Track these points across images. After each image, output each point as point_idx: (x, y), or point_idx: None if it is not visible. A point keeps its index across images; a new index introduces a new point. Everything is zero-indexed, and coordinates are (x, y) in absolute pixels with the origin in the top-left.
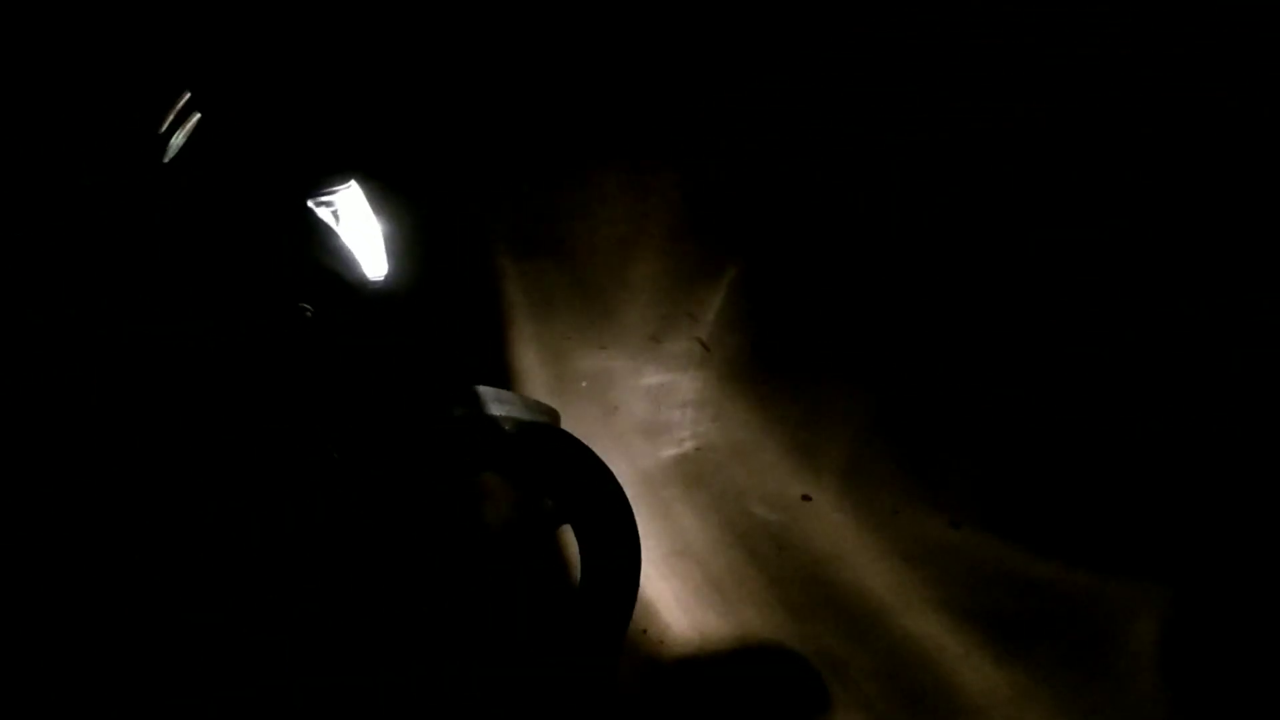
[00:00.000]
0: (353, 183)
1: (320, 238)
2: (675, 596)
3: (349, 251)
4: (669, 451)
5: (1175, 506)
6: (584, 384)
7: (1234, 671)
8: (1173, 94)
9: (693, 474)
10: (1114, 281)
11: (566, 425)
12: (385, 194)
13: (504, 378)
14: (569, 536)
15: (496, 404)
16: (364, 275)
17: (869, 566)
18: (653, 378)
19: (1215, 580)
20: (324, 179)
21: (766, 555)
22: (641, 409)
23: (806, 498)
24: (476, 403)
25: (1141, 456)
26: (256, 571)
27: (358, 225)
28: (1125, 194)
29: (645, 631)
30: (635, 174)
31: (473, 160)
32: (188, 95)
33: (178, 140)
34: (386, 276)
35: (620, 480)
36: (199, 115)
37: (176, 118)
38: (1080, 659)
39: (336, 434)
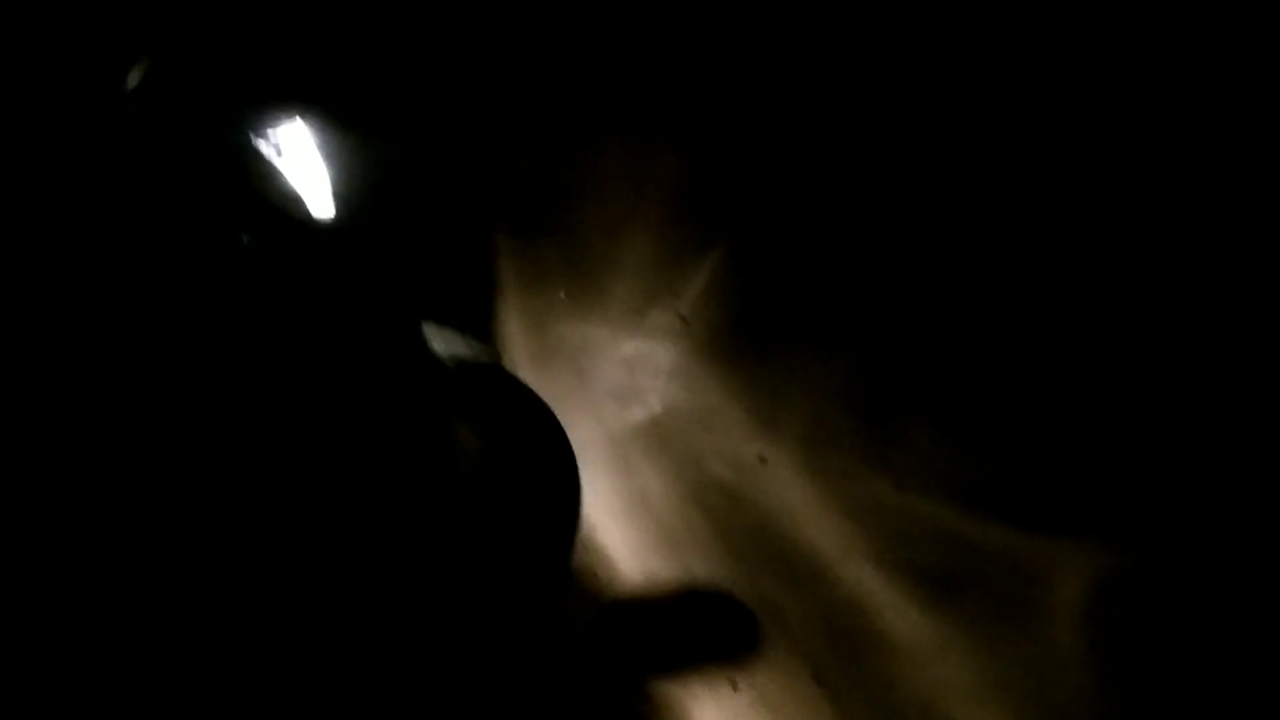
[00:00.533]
0: (300, 121)
1: (260, 170)
2: (628, 545)
3: (289, 187)
4: (638, 415)
5: (1111, 475)
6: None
7: (1154, 631)
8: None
9: (658, 436)
10: (1083, 271)
11: (541, 388)
12: (348, 138)
13: (486, 343)
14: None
15: (438, 341)
16: (307, 212)
17: (814, 522)
18: (630, 347)
19: (1143, 544)
20: (268, 114)
21: (719, 510)
22: (616, 375)
23: (763, 459)
24: (419, 339)
25: (1087, 429)
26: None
27: (302, 163)
28: (1112, 185)
29: (597, 575)
30: (633, 157)
31: (472, 135)
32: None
33: (131, 78)
34: (335, 216)
35: (588, 440)
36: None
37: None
38: (1005, 611)
39: (269, 363)
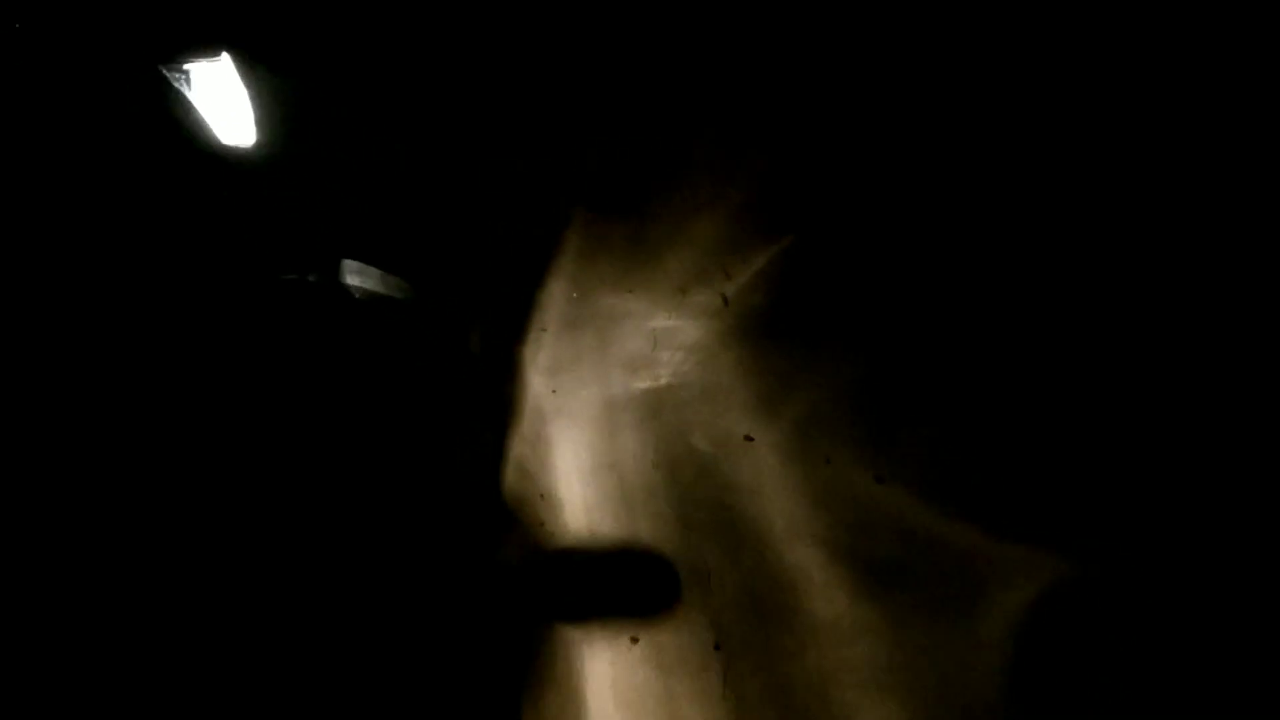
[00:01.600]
0: (224, 55)
1: (170, 101)
2: (585, 503)
3: (201, 117)
4: (642, 384)
5: (1082, 491)
6: (574, 295)
7: (1080, 656)
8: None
9: (654, 406)
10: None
11: (560, 349)
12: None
13: (526, 304)
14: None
15: (354, 275)
16: (220, 141)
17: (777, 503)
18: (662, 321)
19: (1095, 563)
20: (189, 49)
21: (685, 480)
22: (637, 345)
23: (749, 438)
24: (334, 272)
25: (1068, 445)
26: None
27: (219, 94)
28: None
29: (543, 525)
30: (721, 150)
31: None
32: None
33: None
34: (257, 146)
35: (584, 402)
36: None
37: None
38: (937, 607)
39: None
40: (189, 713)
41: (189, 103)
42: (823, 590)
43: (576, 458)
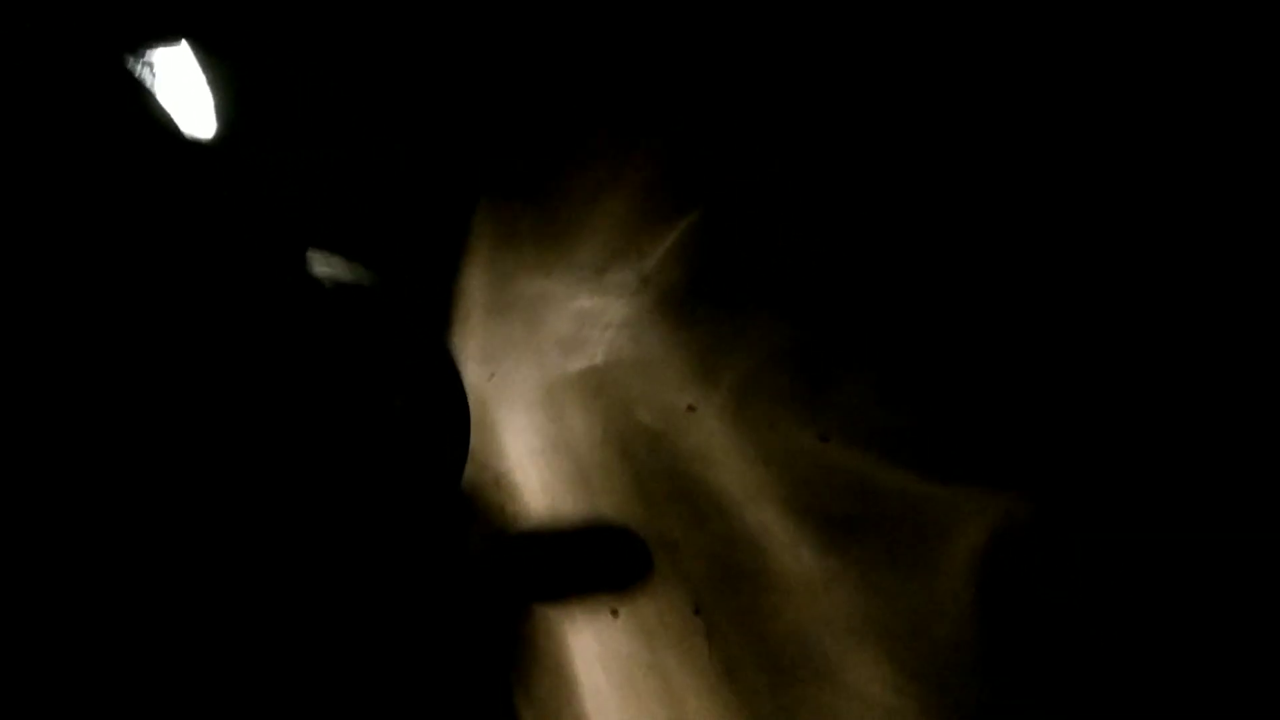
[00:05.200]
0: (183, 42)
1: (133, 91)
2: (542, 483)
3: (163, 108)
4: (578, 364)
5: (1021, 432)
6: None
7: (1039, 592)
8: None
9: (594, 384)
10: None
11: (489, 335)
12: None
13: (446, 295)
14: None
15: (321, 265)
16: (181, 132)
17: (730, 468)
18: (585, 301)
19: (1043, 503)
20: (148, 38)
21: (638, 455)
22: (565, 327)
23: (692, 408)
24: (301, 264)
25: (1002, 386)
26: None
27: (181, 84)
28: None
29: (504, 509)
30: (619, 133)
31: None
32: None
33: None
34: (217, 138)
35: (524, 385)
36: None
37: None
38: (899, 555)
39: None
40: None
41: (151, 93)
42: (788, 549)
43: (526, 441)
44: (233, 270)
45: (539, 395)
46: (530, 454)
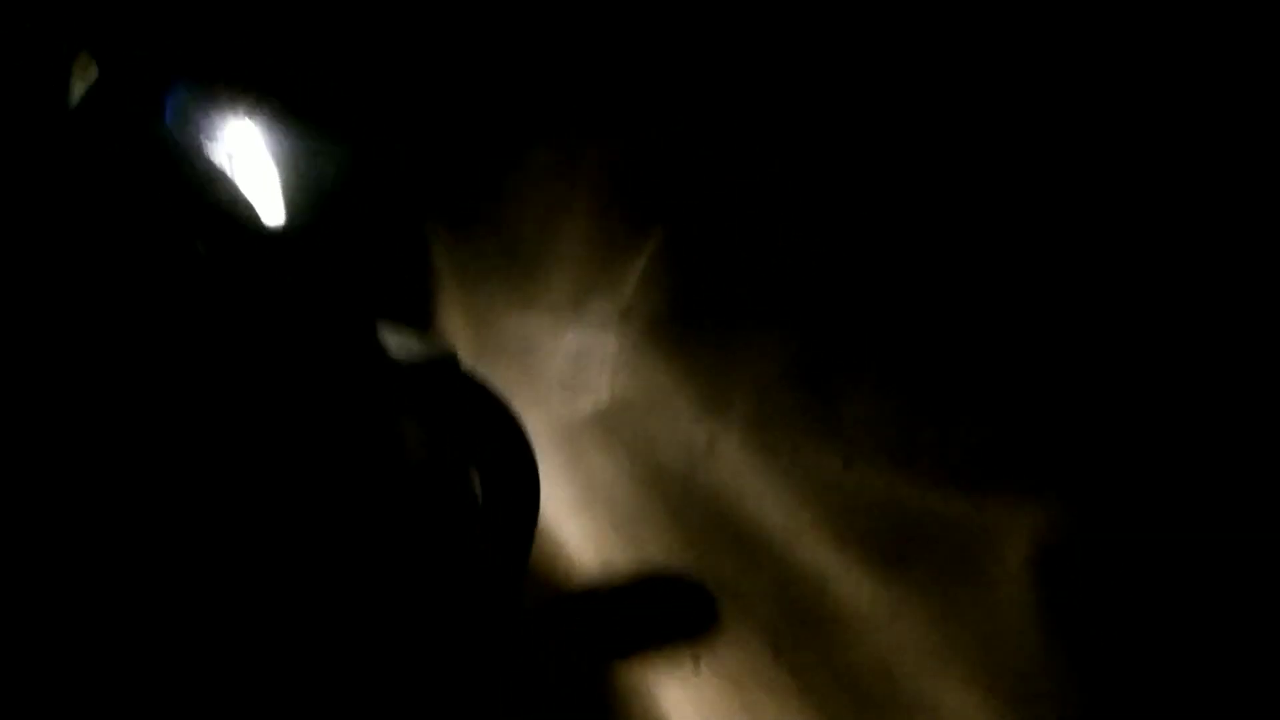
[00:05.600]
0: (250, 122)
1: (210, 176)
2: (584, 534)
3: (241, 193)
4: (586, 405)
5: (1049, 434)
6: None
7: (1100, 585)
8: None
9: (608, 425)
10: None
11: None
12: (289, 135)
13: (423, 333)
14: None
15: (393, 340)
16: (259, 218)
17: (766, 503)
18: (574, 339)
19: (1083, 500)
20: (220, 117)
21: (671, 495)
22: (562, 368)
23: (713, 443)
24: (373, 340)
25: (1025, 387)
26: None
27: (253, 167)
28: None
29: (554, 566)
30: (562, 148)
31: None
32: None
33: (75, 88)
34: (287, 221)
35: (538, 432)
36: (96, 59)
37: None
38: (954, 575)
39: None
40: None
41: (225, 174)
42: (848, 580)
43: (555, 491)
44: (314, 353)
45: (554, 441)
46: (564, 504)
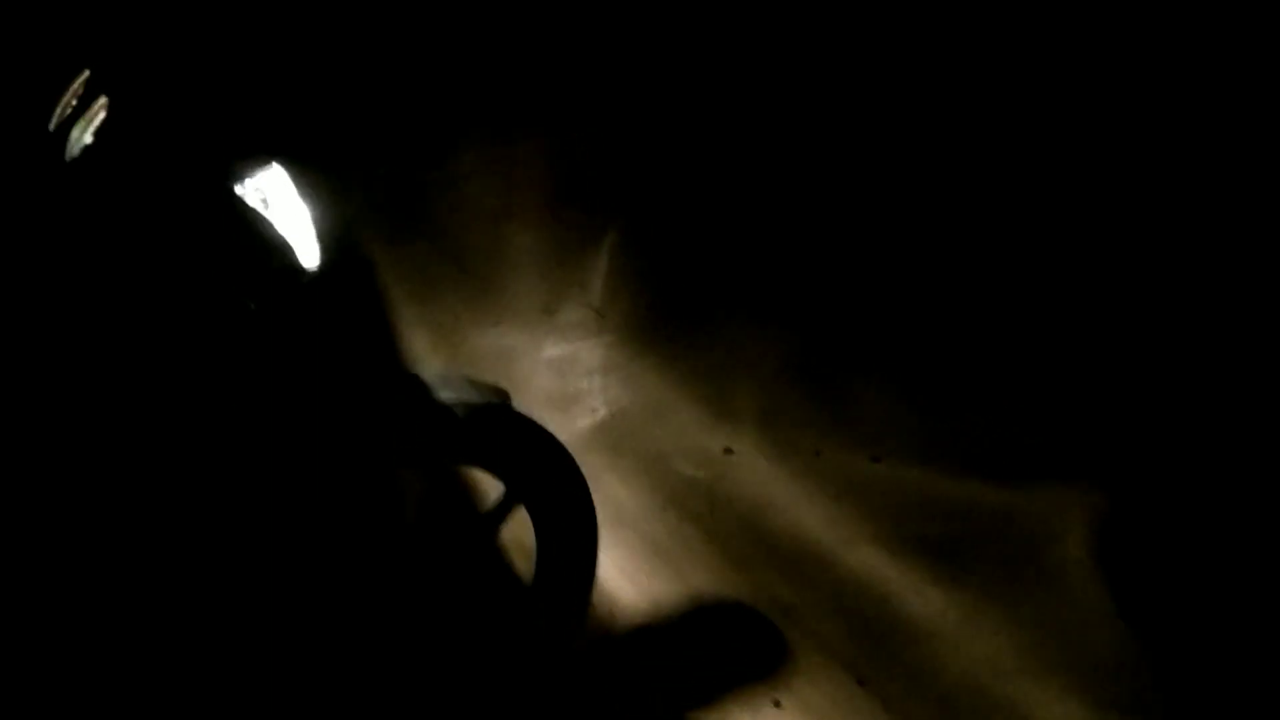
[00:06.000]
0: (274, 164)
1: (252, 226)
2: (619, 567)
3: (283, 239)
4: (584, 421)
5: (1083, 415)
6: None
7: (1159, 560)
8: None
9: (612, 441)
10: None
11: None
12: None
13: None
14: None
15: (445, 388)
16: (300, 264)
17: (800, 510)
18: (553, 349)
19: (1132, 478)
20: (246, 162)
21: (700, 513)
22: (548, 382)
23: (729, 450)
24: (425, 389)
25: (1048, 371)
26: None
27: (287, 210)
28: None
29: (596, 606)
30: (495, 146)
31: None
32: (87, 78)
33: (81, 135)
34: (321, 264)
35: None
36: (104, 102)
37: (75, 107)
38: (1016, 571)
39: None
40: None
41: (267, 222)
42: (911, 592)
43: None
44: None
45: None
46: None
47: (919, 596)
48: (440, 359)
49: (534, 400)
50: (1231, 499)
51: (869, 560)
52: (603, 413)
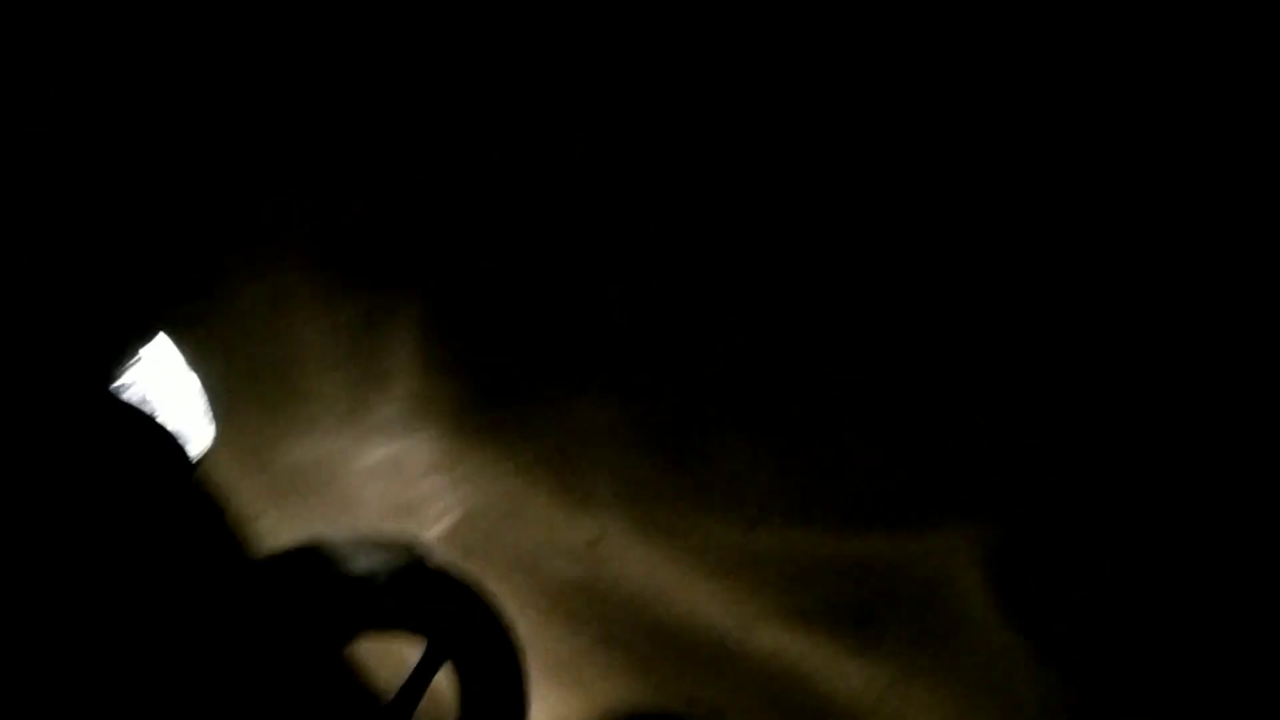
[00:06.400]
0: (160, 334)
1: (135, 431)
2: (550, 707)
3: (170, 437)
4: (436, 529)
5: (956, 447)
6: None
7: (1062, 586)
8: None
9: (471, 546)
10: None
11: (294, 532)
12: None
13: (207, 499)
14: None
15: (358, 555)
16: (192, 452)
17: (690, 594)
18: (377, 452)
19: (1013, 503)
20: (126, 344)
21: (587, 616)
22: (382, 489)
23: (596, 541)
24: (335, 559)
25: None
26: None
27: (175, 389)
28: None
29: None
30: (263, 242)
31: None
32: None
33: None
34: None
35: None
36: None
37: None
38: (926, 624)
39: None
40: None
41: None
42: (826, 666)
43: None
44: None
45: None
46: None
47: (838, 672)
48: (253, 484)
49: (375, 514)
50: (1119, 507)
51: (776, 639)
52: (453, 516)
